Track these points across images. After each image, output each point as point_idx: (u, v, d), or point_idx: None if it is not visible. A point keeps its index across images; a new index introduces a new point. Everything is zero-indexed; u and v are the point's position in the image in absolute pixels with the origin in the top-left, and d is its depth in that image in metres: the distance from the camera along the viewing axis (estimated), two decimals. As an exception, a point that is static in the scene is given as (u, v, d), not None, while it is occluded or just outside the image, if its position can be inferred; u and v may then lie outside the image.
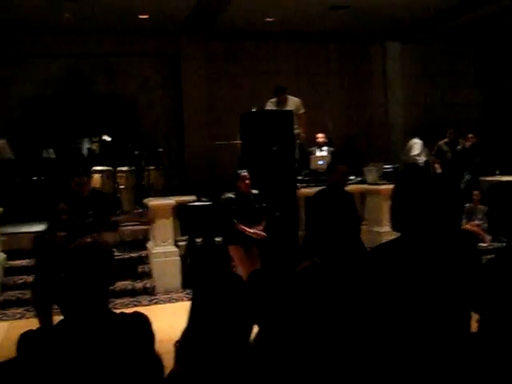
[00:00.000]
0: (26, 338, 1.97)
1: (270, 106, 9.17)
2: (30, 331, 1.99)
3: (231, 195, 6.39)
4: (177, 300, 7.42)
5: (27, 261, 8.02)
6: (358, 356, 2.04)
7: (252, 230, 6.29)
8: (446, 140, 10.93)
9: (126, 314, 2.15)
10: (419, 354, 2.05)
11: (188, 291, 7.52)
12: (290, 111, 8.64)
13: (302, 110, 9.31)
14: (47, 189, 9.88)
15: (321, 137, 10.32)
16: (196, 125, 12.01)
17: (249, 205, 6.37)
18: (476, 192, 9.22)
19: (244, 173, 6.36)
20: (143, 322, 2.12)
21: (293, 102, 9.24)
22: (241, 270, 6.39)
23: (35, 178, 10.46)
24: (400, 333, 2.06)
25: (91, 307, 2.01)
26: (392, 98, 13.68)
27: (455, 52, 13.95)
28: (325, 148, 10.35)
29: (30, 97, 11.55)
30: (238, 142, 8.84)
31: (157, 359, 2.12)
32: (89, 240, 2.13)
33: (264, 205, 6.51)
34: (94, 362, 1.92)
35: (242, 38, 12.44)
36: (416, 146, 10.92)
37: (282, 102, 9.20)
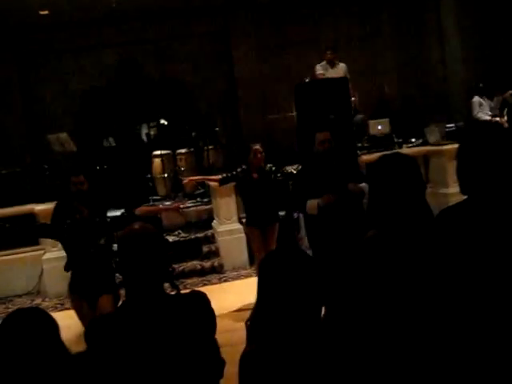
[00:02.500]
0: (92, 327, 2.03)
1: (320, 69, 8.96)
2: (95, 319, 2.05)
3: (244, 167, 6.17)
4: (245, 276, 7.48)
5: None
6: (429, 329, 1.96)
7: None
8: (511, 92, 10.43)
9: (183, 294, 2.19)
10: (492, 324, 1.94)
11: (255, 267, 7.55)
12: (346, 78, 8.47)
13: (348, 76, 9.07)
14: (110, 177, 10.10)
15: None
16: (250, 100, 11.95)
17: (263, 177, 6.12)
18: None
19: (256, 146, 6.13)
20: (202, 300, 2.14)
21: (342, 67, 9.05)
22: (255, 252, 6.32)
23: (98, 168, 10.71)
24: (471, 302, 1.95)
25: (147, 292, 2.05)
26: (449, 52, 13.13)
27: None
28: None
29: (86, 89, 11.79)
30: (294, 113, 8.74)
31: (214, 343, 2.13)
32: (137, 227, 2.14)
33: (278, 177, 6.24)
34: (157, 344, 1.96)
35: (289, 8, 12.22)
36: (473, 105, 10.43)
37: (331, 62, 8.98)
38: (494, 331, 1.93)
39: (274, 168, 6.25)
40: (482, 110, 10.33)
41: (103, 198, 5.68)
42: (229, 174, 6.41)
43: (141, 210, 5.34)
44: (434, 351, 1.96)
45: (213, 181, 7.11)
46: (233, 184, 7.81)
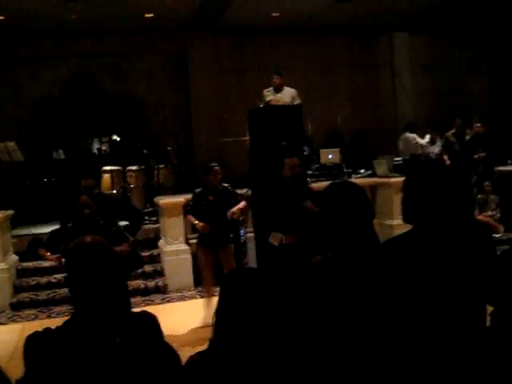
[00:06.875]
0: (32, 341, 1.94)
1: (268, 94, 8.98)
2: (35, 333, 1.96)
3: (199, 190, 6.24)
4: (189, 298, 7.42)
5: (39, 262, 8.06)
6: (370, 350, 2.01)
7: (196, 222, 6.07)
8: (453, 131, 10.78)
9: (133, 313, 2.12)
10: (434, 348, 2.02)
11: (200, 289, 7.51)
12: (299, 105, 8.58)
13: (298, 101, 9.05)
14: (58, 190, 9.91)
15: None
16: (204, 122, 12.00)
17: (219, 198, 6.15)
18: (487, 183, 9.12)
19: (216, 166, 6.21)
20: (150, 321, 2.09)
21: (288, 92, 9.08)
22: (203, 272, 6.34)
23: (45, 180, 10.49)
24: (413, 327, 2.03)
25: (95, 306, 1.97)
26: (400, 89, 13.58)
27: (463, 41, 13.80)
28: None
29: (38, 98, 11.60)
30: (247, 138, 8.79)
31: (170, 352, 2.10)
32: (89, 239, 2.06)
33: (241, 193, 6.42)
34: (102, 361, 1.89)
35: (248, 33, 12.40)
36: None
37: (278, 88, 9.02)
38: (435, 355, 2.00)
39: (229, 188, 6.31)
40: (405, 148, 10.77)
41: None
42: (191, 203, 6.34)
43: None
44: (377, 368, 2.02)
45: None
46: (182, 203, 7.78)
